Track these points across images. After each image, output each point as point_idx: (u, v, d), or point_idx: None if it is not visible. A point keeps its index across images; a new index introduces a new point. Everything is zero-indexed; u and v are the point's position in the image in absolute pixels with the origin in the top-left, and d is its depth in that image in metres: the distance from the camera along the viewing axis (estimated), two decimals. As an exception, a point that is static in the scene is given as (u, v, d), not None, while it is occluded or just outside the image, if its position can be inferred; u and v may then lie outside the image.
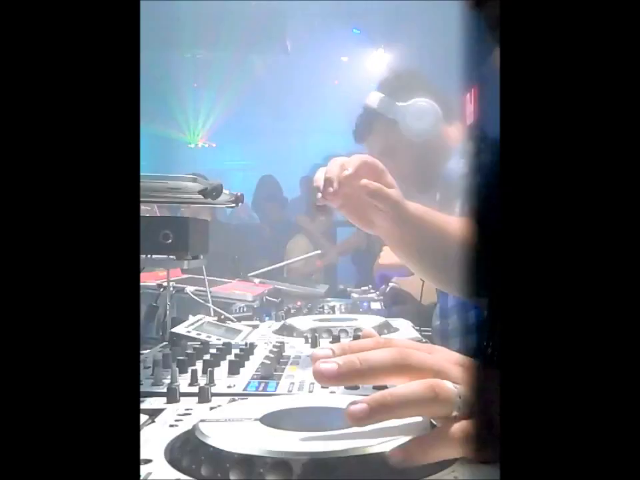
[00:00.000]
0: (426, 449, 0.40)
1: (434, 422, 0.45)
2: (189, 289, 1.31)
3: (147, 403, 0.61)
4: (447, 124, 1.52)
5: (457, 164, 1.32)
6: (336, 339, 0.89)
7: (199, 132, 6.23)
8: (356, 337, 0.91)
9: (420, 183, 1.55)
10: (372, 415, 0.40)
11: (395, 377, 0.44)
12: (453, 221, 0.95)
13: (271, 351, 0.84)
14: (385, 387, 0.48)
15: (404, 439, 0.41)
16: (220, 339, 0.99)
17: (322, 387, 0.63)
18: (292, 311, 1.34)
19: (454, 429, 0.41)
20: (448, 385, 0.42)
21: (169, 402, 0.62)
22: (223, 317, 1.14)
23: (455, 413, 0.42)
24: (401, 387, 0.42)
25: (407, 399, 0.41)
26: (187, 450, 0.45)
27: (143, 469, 0.43)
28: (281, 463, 0.40)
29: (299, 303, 1.47)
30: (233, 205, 0.81)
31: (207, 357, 0.80)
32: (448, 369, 0.44)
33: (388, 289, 1.62)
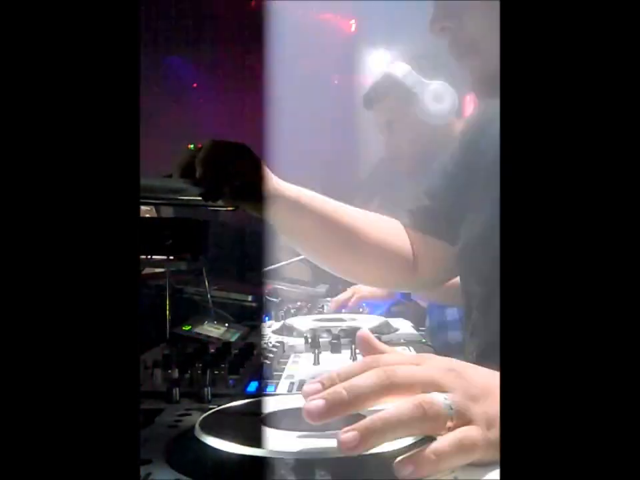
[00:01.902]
0: (435, 459, 0.40)
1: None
2: (189, 289, 1.31)
3: (146, 404, 0.61)
4: (456, 117, 1.50)
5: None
6: (336, 339, 0.89)
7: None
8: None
9: (410, 165, 1.54)
10: (363, 441, 0.39)
11: (384, 398, 0.43)
12: (359, 214, 0.92)
13: (270, 351, 0.84)
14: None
15: (403, 439, 0.41)
16: (220, 339, 0.99)
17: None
18: (292, 311, 1.34)
19: (459, 436, 0.41)
20: (436, 399, 0.42)
21: (168, 402, 0.62)
22: (222, 317, 1.14)
23: (449, 424, 0.41)
24: (389, 409, 0.41)
25: (396, 421, 0.40)
26: (186, 450, 0.45)
27: (142, 470, 0.43)
28: (281, 463, 0.40)
29: (298, 303, 1.46)
30: (233, 208, 0.81)
31: (206, 357, 0.80)
32: (438, 378, 0.44)
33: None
